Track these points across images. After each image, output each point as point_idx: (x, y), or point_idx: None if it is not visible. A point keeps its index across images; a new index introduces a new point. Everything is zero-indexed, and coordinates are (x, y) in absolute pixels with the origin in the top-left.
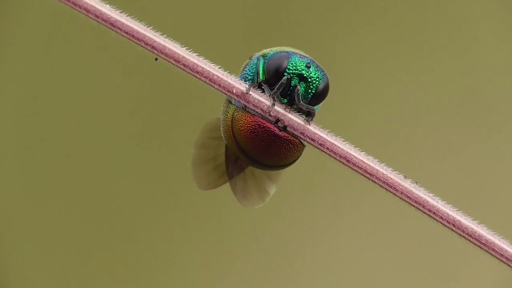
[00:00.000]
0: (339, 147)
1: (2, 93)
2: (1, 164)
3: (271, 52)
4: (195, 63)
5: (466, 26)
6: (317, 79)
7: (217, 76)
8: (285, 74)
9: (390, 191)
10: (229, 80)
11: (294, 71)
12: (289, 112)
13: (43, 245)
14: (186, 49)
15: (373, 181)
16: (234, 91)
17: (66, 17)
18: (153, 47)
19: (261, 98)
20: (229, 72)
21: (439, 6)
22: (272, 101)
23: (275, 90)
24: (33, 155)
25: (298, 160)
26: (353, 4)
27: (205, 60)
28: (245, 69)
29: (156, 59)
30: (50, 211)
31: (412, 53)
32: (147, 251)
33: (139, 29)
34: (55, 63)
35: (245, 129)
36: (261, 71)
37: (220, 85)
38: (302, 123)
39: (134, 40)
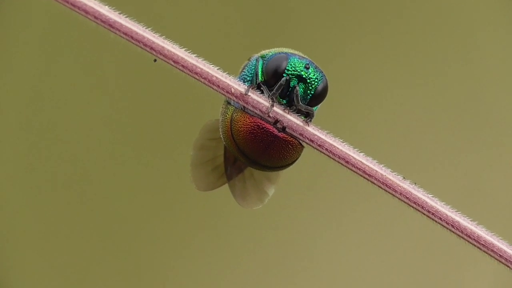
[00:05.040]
0: (338, 148)
1: (2, 94)
2: (1, 164)
3: (270, 53)
4: (194, 64)
5: (467, 29)
6: (316, 80)
7: (216, 77)
8: (284, 75)
9: (389, 192)
10: (228, 81)
11: (293, 72)
12: (288, 113)
13: (43, 245)
14: (185, 50)
15: (372, 182)
16: (233, 92)
17: (65, 19)
18: (152, 48)
19: (260, 99)
20: (228, 73)
21: (439, 10)
22: (271, 102)
23: (274, 91)
24: (33, 155)
25: (297, 161)
26: (352, 6)
27: (204, 61)
28: (244, 70)
29: (155, 60)
30: (50, 212)
31: (411, 55)
32: (146, 252)
33: (138, 30)
34: (54, 64)
35: (244, 130)
36: (260, 72)
37: (219, 86)
38: (301, 124)
39: (133, 41)
